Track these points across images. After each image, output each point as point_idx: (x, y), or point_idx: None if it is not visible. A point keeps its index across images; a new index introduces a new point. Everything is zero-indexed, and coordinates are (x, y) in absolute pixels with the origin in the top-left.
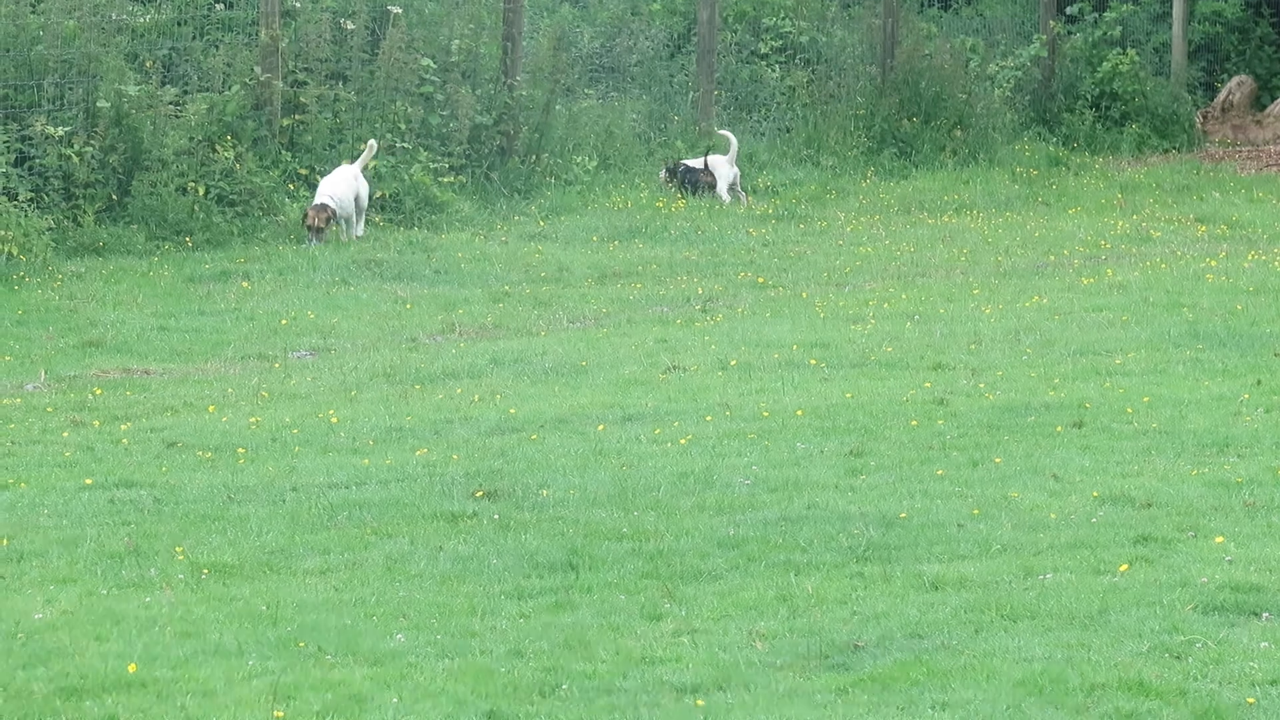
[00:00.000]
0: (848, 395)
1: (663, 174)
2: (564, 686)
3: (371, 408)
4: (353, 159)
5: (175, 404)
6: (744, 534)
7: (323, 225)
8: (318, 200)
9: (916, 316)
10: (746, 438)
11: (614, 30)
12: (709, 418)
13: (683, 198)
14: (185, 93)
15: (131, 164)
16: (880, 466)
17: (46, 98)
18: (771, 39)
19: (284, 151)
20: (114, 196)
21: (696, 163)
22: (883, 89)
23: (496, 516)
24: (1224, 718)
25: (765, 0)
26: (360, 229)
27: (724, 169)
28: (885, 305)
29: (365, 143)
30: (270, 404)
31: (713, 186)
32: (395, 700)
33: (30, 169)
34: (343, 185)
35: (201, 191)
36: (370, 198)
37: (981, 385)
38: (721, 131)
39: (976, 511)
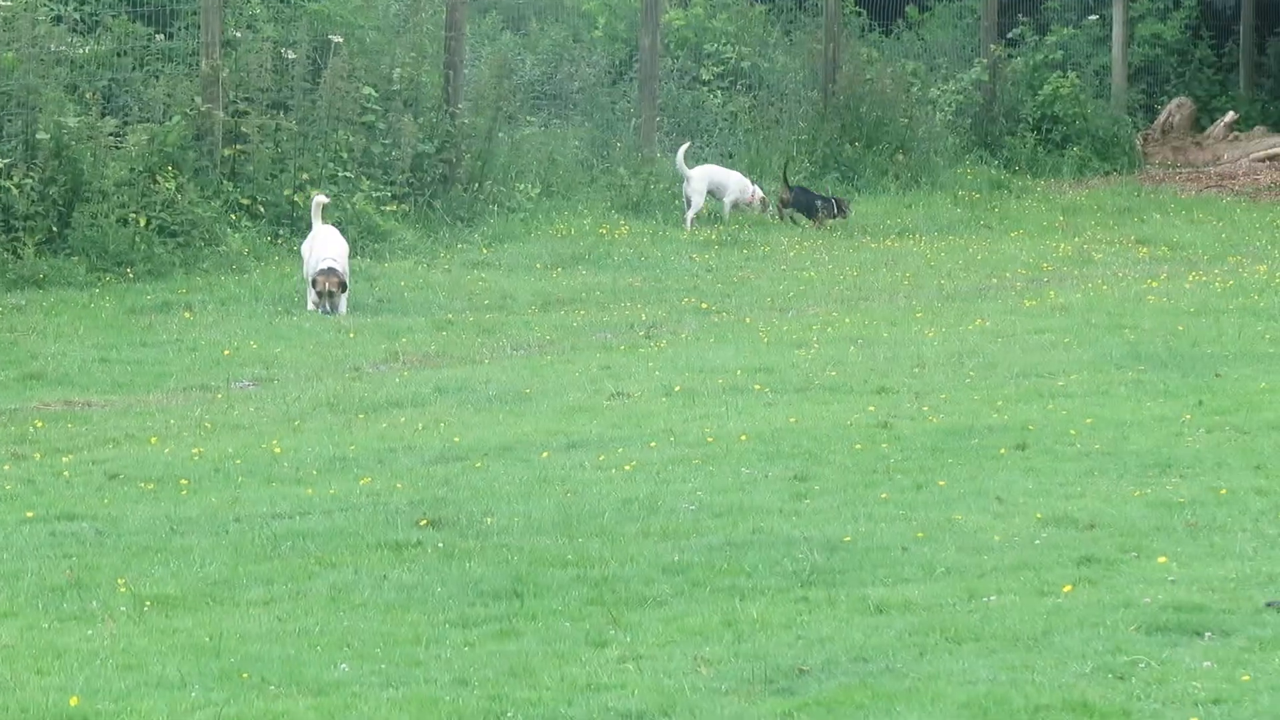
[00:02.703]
0: (792, 420)
1: (786, 195)
2: (509, 715)
3: (315, 437)
4: (322, 220)
5: (117, 436)
6: (689, 560)
7: (335, 290)
8: (323, 264)
9: (860, 340)
10: (691, 463)
11: (556, 57)
12: (653, 444)
13: (795, 221)
14: (126, 124)
15: (72, 195)
16: (824, 490)
17: None
18: (713, 65)
19: (225, 181)
20: (54, 228)
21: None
22: (825, 114)
23: (441, 545)
24: None
25: (707, 26)
26: (343, 304)
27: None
28: (829, 330)
29: (314, 195)
30: (213, 435)
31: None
32: None
33: None
34: (342, 247)
35: (143, 222)
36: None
37: (925, 408)
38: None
39: (921, 534)
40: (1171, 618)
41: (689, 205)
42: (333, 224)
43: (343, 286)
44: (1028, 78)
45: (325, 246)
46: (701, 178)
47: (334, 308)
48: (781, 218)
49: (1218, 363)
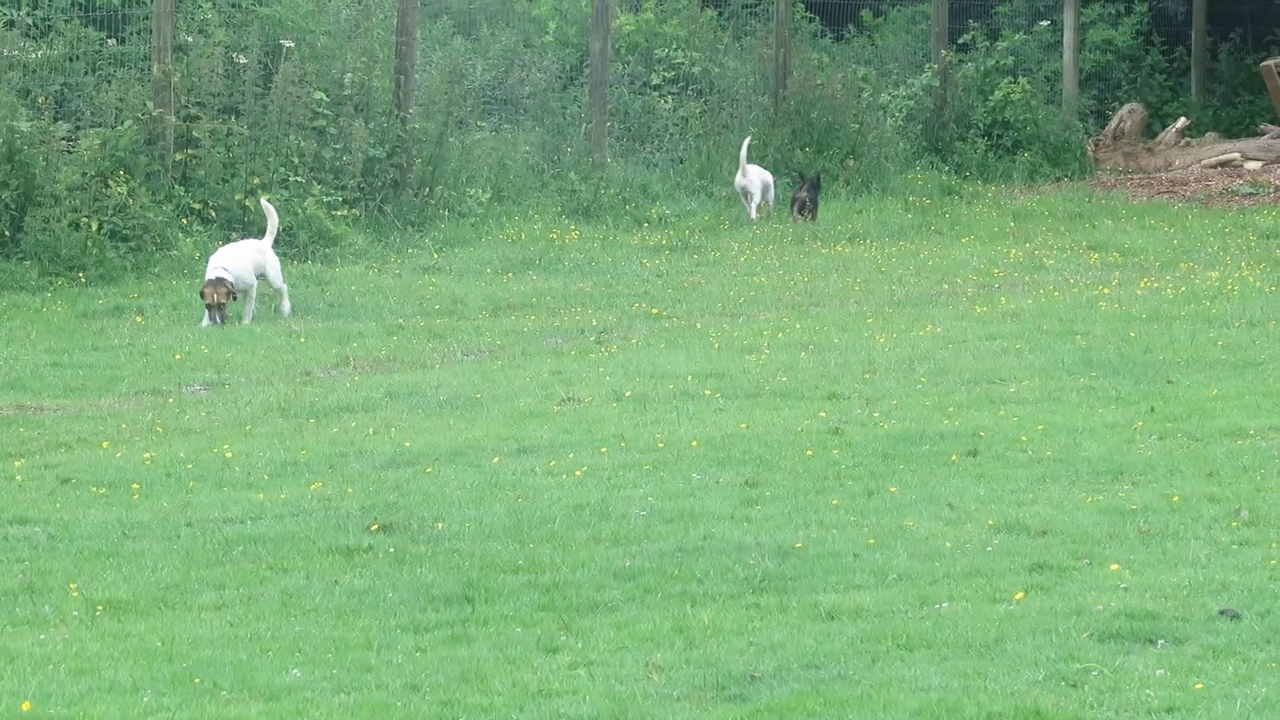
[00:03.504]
0: (743, 425)
1: (804, 193)
2: None
3: (266, 442)
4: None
5: (69, 440)
6: (640, 565)
7: (223, 301)
8: (211, 274)
9: (811, 346)
10: (642, 469)
11: (506, 62)
12: (604, 449)
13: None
14: (78, 128)
15: (24, 200)
16: (776, 497)
17: None
18: (664, 70)
19: (177, 186)
20: (6, 233)
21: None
22: (775, 119)
23: (392, 550)
24: None
25: (657, 31)
26: (286, 305)
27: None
28: (780, 335)
29: (263, 203)
30: (165, 439)
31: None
32: None
33: None
34: (239, 256)
35: (95, 227)
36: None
37: (876, 414)
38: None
39: (872, 541)
40: (1124, 625)
41: (748, 200)
42: (282, 228)
43: (231, 296)
44: (979, 83)
45: (221, 255)
46: (759, 175)
47: (223, 319)
48: (809, 217)
49: (1170, 369)
